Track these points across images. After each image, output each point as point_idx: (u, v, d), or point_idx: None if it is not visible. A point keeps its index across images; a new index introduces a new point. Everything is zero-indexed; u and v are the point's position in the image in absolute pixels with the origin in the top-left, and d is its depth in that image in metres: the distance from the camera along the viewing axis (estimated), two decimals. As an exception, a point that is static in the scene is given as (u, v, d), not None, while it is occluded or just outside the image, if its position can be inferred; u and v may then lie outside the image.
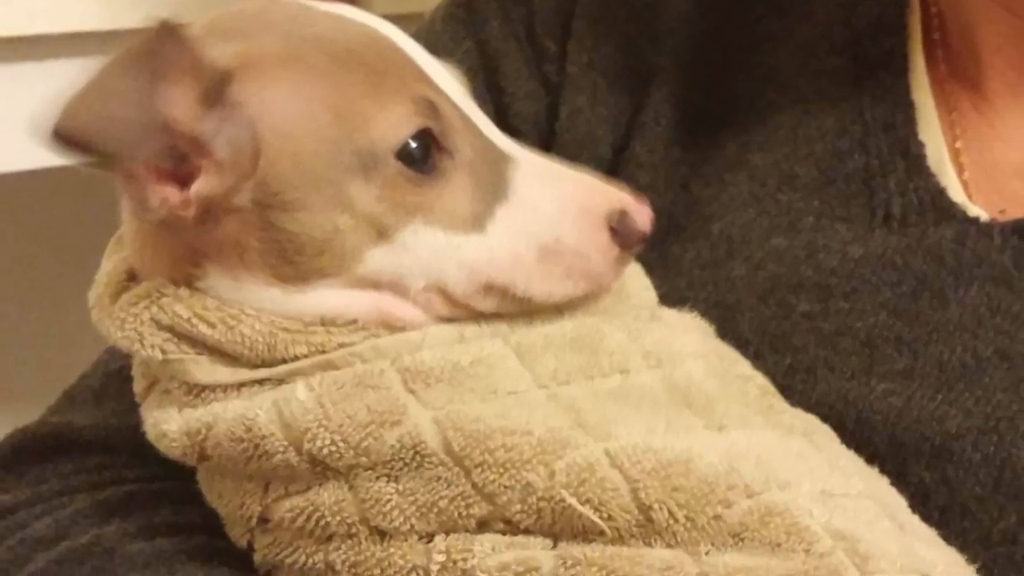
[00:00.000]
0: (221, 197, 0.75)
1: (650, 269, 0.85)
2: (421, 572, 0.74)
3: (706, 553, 0.71)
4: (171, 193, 0.74)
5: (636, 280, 0.83)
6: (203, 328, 0.76)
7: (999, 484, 0.82)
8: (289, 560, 0.77)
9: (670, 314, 0.83)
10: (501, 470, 0.73)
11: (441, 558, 0.73)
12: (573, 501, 0.72)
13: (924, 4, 0.98)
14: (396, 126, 0.75)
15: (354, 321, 0.76)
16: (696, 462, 0.72)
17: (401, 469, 0.74)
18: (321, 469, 0.75)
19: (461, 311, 0.78)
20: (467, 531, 0.73)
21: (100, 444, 0.92)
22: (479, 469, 0.73)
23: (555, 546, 0.73)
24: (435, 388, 0.75)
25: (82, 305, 0.81)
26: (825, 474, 0.75)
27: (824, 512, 0.72)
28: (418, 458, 0.73)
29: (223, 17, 0.78)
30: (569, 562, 0.72)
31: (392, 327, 0.77)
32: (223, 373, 0.76)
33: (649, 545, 0.72)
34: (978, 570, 0.76)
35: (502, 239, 0.77)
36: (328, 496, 0.75)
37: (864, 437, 0.83)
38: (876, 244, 0.90)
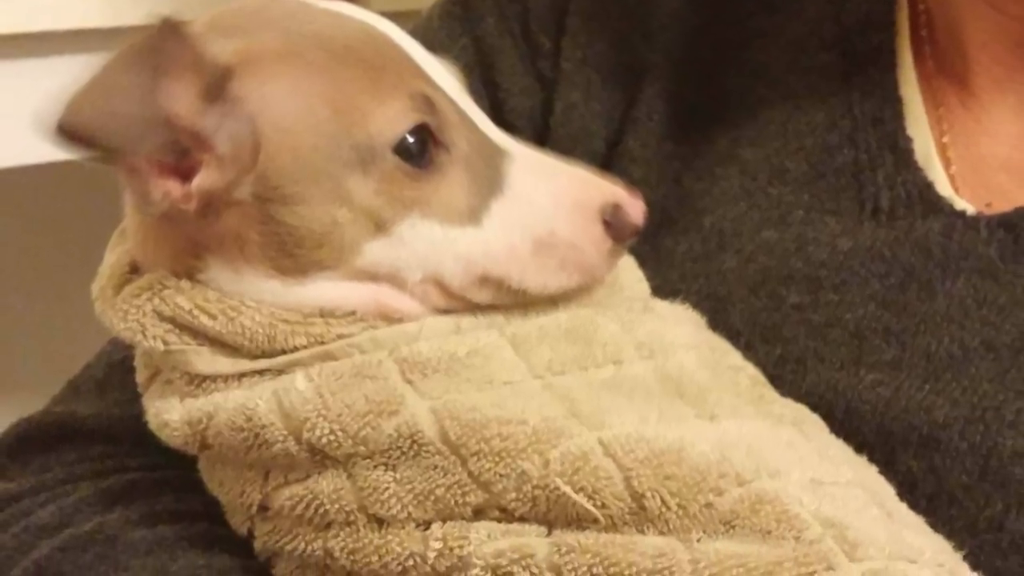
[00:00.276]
0: (222, 191, 0.75)
1: (643, 262, 0.85)
2: (418, 559, 0.74)
3: (698, 540, 0.71)
4: (173, 187, 0.75)
5: (629, 272, 0.84)
6: (204, 319, 0.76)
7: (985, 472, 0.82)
8: (289, 547, 0.77)
9: (663, 306, 0.84)
10: (497, 459, 0.73)
11: (438, 545, 0.74)
12: (567, 489, 0.72)
13: (912, 1, 0.98)
14: (393, 121, 0.76)
15: (352, 313, 0.77)
16: (688, 451, 0.73)
17: (399, 458, 0.74)
18: (320, 458, 0.75)
19: (457, 303, 0.78)
20: (463, 519, 0.74)
21: (103, 433, 0.92)
22: (475, 458, 0.73)
23: (550, 533, 0.73)
24: (432, 378, 0.75)
25: (85, 297, 0.81)
26: (815, 463, 0.75)
27: (814, 500, 0.72)
28: (415, 447, 0.74)
29: (224, 14, 0.79)
30: (563, 549, 0.72)
31: (390, 318, 0.77)
32: (224, 364, 0.77)
33: (642, 532, 0.72)
34: (965, 557, 0.76)
35: (497, 232, 0.77)
36: (327, 484, 0.75)
37: (853, 426, 0.83)
38: (865, 237, 0.91)
